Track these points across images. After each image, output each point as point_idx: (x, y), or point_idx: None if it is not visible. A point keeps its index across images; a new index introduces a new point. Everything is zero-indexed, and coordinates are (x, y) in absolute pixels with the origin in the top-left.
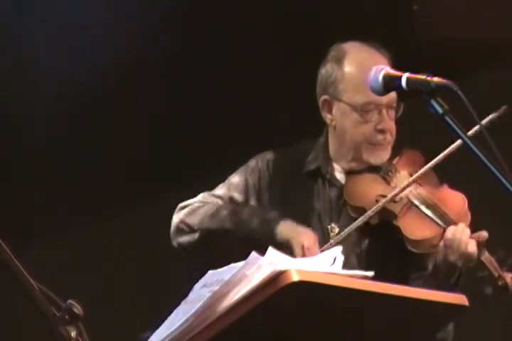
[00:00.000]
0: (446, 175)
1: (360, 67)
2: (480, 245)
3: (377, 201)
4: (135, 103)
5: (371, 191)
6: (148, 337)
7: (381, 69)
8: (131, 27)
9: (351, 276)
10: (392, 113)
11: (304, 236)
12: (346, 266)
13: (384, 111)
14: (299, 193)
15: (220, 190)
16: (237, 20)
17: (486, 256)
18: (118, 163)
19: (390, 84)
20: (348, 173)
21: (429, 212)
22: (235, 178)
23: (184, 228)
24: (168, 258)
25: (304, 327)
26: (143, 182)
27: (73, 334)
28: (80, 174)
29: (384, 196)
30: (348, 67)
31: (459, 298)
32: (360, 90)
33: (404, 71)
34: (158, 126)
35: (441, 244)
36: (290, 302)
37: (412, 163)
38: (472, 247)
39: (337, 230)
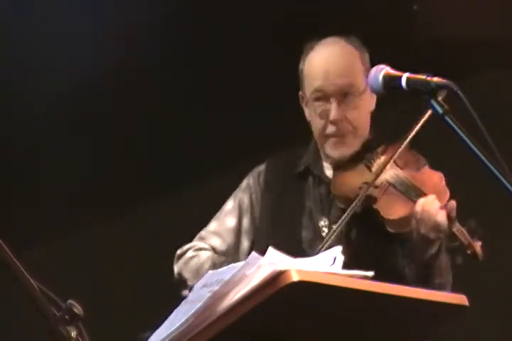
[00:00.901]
0: (424, 150)
1: (318, 60)
2: (451, 216)
3: (360, 188)
4: (135, 103)
5: (355, 180)
6: (148, 337)
7: (381, 69)
8: (131, 27)
9: (351, 276)
10: (350, 101)
11: None
12: None
13: (333, 99)
14: (291, 195)
15: (215, 223)
16: (237, 20)
17: (457, 227)
18: (118, 163)
19: (389, 84)
20: (335, 168)
21: (405, 192)
22: (228, 204)
23: (181, 281)
24: (168, 258)
25: (304, 327)
26: (143, 182)
27: (73, 334)
28: (79, 174)
29: (367, 183)
30: (309, 62)
31: (459, 298)
32: (314, 81)
33: (404, 71)
34: (158, 126)
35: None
36: (290, 302)
37: (394, 150)
38: (441, 217)
39: (327, 223)
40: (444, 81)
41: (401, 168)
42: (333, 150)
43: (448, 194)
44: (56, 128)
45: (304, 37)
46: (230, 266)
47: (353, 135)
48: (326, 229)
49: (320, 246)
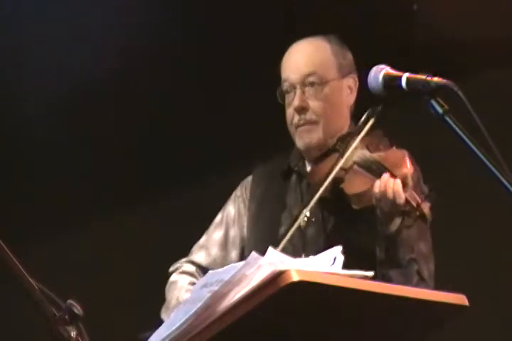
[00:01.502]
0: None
1: (289, 56)
2: (405, 183)
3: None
4: (135, 103)
5: (328, 167)
6: (148, 337)
7: (381, 69)
8: (131, 26)
9: (351, 276)
10: (315, 90)
11: None
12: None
13: (297, 88)
14: (274, 195)
15: (204, 237)
16: (238, 21)
17: (410, 193)
18: (118, 162)
19: (390, 84)
20: (314, 162)
21: (368, 168)
22: (217, 217)
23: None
24: (168, 259)
25: (304, 327)
26: (142, 183)
27: (73, 334)
28: (79, 174)
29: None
30: (283, 60)
31: (458, 298)
32: (283, 74)
33: (404, 71)
34: (157, 126)
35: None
36: (290, 302)
37: (368, 135)
38: (399, 199)
39: (308, 214)
40: (444, 81)
41: (371, 152)
42: (299, 140)
43: (408, 167)
44: (56, 129)
45: (303, 37)
46: (230, 266)
47: (318, 124)
48: (304, 222)
49: (286, 230)
